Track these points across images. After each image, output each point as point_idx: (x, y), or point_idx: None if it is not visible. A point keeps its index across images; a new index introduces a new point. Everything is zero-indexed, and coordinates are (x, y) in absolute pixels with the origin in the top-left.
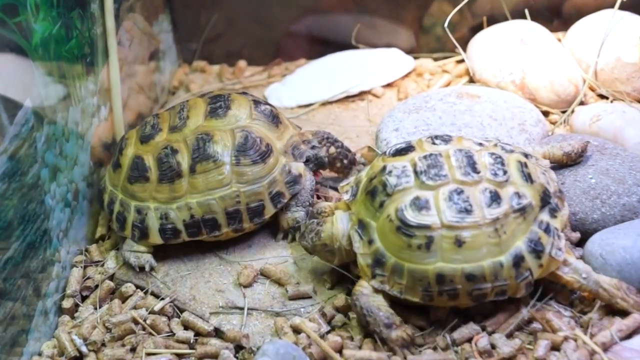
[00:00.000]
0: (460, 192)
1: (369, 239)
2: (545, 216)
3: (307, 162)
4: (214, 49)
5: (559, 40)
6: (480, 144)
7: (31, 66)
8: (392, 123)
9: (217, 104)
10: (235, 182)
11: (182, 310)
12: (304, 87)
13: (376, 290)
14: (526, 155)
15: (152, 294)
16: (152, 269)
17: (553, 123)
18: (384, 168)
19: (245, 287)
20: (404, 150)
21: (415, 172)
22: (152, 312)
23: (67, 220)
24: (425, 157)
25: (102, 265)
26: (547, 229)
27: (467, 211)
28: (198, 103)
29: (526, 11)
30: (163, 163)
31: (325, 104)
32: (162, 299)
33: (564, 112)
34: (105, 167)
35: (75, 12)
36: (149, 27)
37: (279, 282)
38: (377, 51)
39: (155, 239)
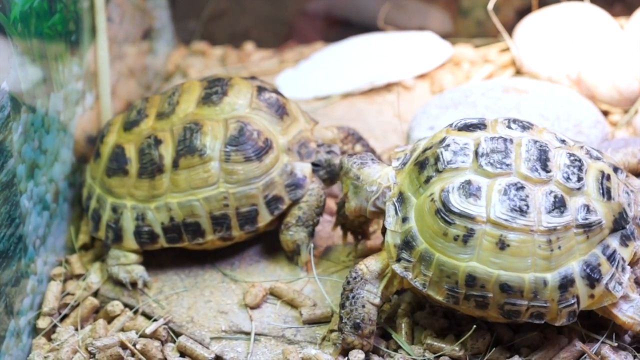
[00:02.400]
0: (519, 188)
1: (404, 217)
2: (614, 241)
3: (315, 167)
4: (216, 29)
5: (622, 27)
6: (563, 141)
7: (8, 44)
8: (427, 120)
9: (213, 89)
10: (224, 181)
11: (178, 334)
12: (321, 75)
13: (381, 277)
14: (616, 169)
15: (143, 314)
16: (145, 284)
17: (613, 124)
18: (443, 140)
19: (252, 308)
20: (473, 126)
21: (476, 153)
22: (143, 336)
23: (45, 226)
24: (492, 138)
25: (85, 279)
26: (611, 257)
27: (522, 211)
28: (193, 87)
29: None
30: (144, 155)
31: (346, 96)
32: (155, 320)
33: (626, 112)
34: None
35: None
36: (143, 2)
37: (291, 304)
38: (408, 35)
39: (130, 243)
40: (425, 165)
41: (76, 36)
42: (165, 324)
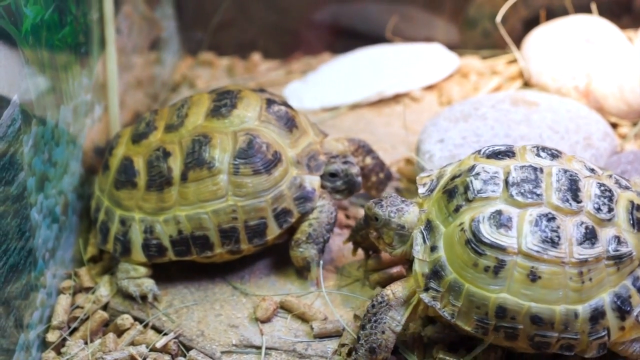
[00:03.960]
0: (551, 219)
1: (433, 245)
2: None
3: (334, 177)
4: (222, 39)
5: (630, 39)
6: (592, 170)
7: (20, 56)
8: (437, 133)
9: (222, 102)
10: (232, 194)
11: (188, 348)
12: (329, 86)
13: (407, 305)
14: None
15: (153, 327)
16: (155, 298)
17: (622, 137)
18: (472, 168)
19: (263, 322)
20: (502, 153)
21: (506, 182)
22: (153, 350)
23: (55, 239)
24: (522, 167)
25: (94, 293)
26: None
27: (553, 243)
28: (202, 99)
29: (592, 5)
30: (153, 167)
31: (354, 107)
32: (165, 334)
33: (634, 124)
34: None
35: None
36: (151, 12)
37: (302, 318)
38: (416, 46)
39: (138, 256)
40: (455, 193)
41: (86, 48)
42: (175, 337)
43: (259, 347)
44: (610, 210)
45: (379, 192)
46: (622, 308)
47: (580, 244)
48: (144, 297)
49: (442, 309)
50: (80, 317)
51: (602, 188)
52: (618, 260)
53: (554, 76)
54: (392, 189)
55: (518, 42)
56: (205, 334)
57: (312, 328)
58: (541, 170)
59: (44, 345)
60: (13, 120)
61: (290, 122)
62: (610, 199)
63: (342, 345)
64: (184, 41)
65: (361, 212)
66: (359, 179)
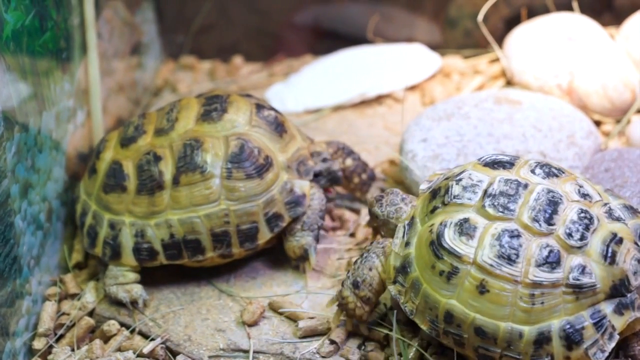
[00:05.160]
0: (514, 236)
1: (407, 241)
2: (608, 307)
3: (317, 176)
4: (204, 43)
5: (611, 36)
6: (586, 196)
7: (1, 63)
8: (420, 132)
9: (212, 106)
10: (225, 198)
11: (175, 353)
12: (312, 88)
13: (388, 255)
14: None
15: (140, 333)
16: (144, 303)
17: (606, 134)
18: (461, 173)
19: (250, 325)
20: (500, 163)
21: (485, 192)
22: (140, 355)
23: (39, 246)
24: (507, 181)
25: (79, 299)
26: (599, 323)
27: (509, 260)
28: (191, 103)
29: (573, 3)
30: (143, 171)
31: (337, 109)
32: (153, 339)
33: (618, 121)
34: (80, 181)
35: (50, 0)
36: (131, 17)
37: (290, 317)
38: (397, 47)
39: (129, 259)
40: (436, 195)
41: (67, 53)
42: (162, 343)
43: (246, 351)
44: (583, 238)
45: (363, 194)
46: (571, 338)
47: (539, 266)
48: (133, 303)
49: (404, 304)
50: (66, 324)
51: (582, 215)
52: (577, 289)
53: (536, 74)
54: (377, 189)
55: (500, 40)
56: (192, 339)
57: (297, 326)
58: (525, 186)
59: (30, 353)
60: None
61: (280, 127)
62: (587, 227)
63: (331, 342)
64: (165, 45)
65: (347, 214)
66: (340, 173)
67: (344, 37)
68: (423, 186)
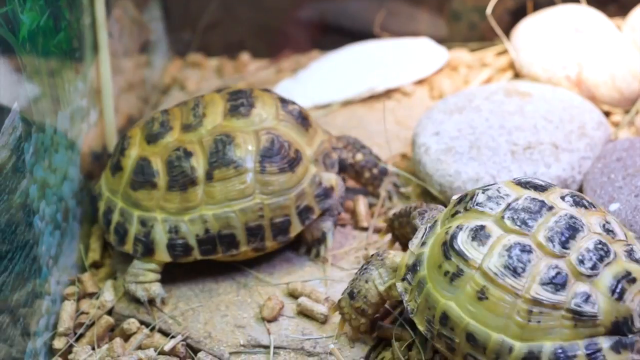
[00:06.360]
0: (525, 251)
1: (424, 242)
2: (606, 343)
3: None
4: (210, 40)
5: (618, 27)
6: (610, 232)
7: (18, 64)
8: (432, 126)
9: (239, 101)
10: (259, 192)
11: (196, 350)
12: (320, 84)
13: (395, 271)
14: None
15: (160, 331)
16: (162, 301)
17: (615, 125)
18: (491, 185)
19: (269, 321)
20: (532, 185)
21: (507, 205)
22: (161, 353)
23: (57, 245)
24: (533, 199)
25: (98, 298)
26: (592, 355)
27: (515, 272)
28: (215, 99)
29: None
30: (174, 167)
31: (346, 104)
32: (173, 336)
33: (627, 112)
34: (94, 180)
35: (63, 0)
36: (140, 15)
37: (307, 314)
38: (404, 41)
39: (163, 255)
40: (462, 200)
41: (79, 53)
42: (183, 340)
43: (267, 347)
44: (594, 267)
45: (375, 188)
46: None
47: (543, 284)
48: (151, 301)
49: (407, 302)
50: (85, 323)
51: (600, 246)
52: (577, 316)
53: (544, 66)
54: (390, 184)
55: (506, 33)
56: (212, 336)
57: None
58: (550, 208)
59: (51, 352)
60: (14, 128)
61: (305, 121)
62: (601, 258)
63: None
64: (172, 43)
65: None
66: (348, 162)
67: (350, 32)
68: (455, 196)
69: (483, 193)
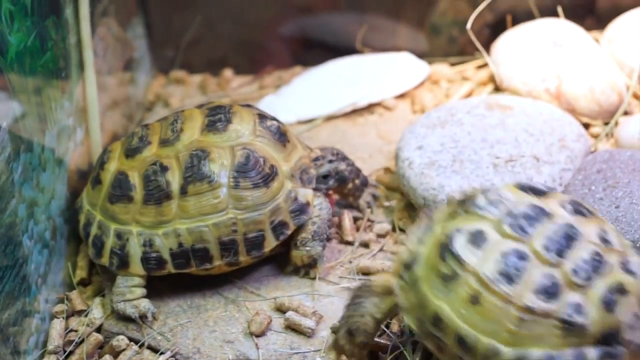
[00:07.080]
0: (521, 257)
1: (422, 240)
2: (592, 353)
3: (326, 177)
4: (193, 56)
5: (596, 40)
6: (606, 242)
7: (6, 84)
8: (415, 140)
9: (217, 117)
10: (233, 207)
11: None
12: (303, 99)
13: (386, 294)
14: None
15: (149, 347)
16: (153, 317)
17: (595, 136)
18: (493, 188)
19: (257, 336)
20: (533, 190)
21: (507, 210)
22: None
23: (46, 264)
24: (533, 206)
25: (87, 315)
26: None
27: (509, 279)
28: (194, 114)
29: (558, 8)
30: (150, 181)
31: (329, 118)
32: (162, 353)
33: (606, 123)
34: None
35: (50, 20)
36: (123, 33)
37: (294, 328)
38: (385, 56)
39: (137, 268)
40: (464, 202)
41: (65, 72)
42: (172, 356)
43: None
44: (588, 279)
45: (355, 199)
46: None
47: (536, 292)
48: (142, 317)
49: (402, 301)
50: (75, 341)
51: (594, 257)
52: (568, 326)
53: (524, 80)
54: (369, 195)
55: (485, 47)
56: (201, 351)
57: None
58: (549, 215)
59: None
60: (3, 147)
61: (282, 137)
62: (596, 269)
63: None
64: (155, 60)
65: (345, 221)
66: (347, 172)
67: (332, 47)
68: (454, 195)
69: (484, 196)
